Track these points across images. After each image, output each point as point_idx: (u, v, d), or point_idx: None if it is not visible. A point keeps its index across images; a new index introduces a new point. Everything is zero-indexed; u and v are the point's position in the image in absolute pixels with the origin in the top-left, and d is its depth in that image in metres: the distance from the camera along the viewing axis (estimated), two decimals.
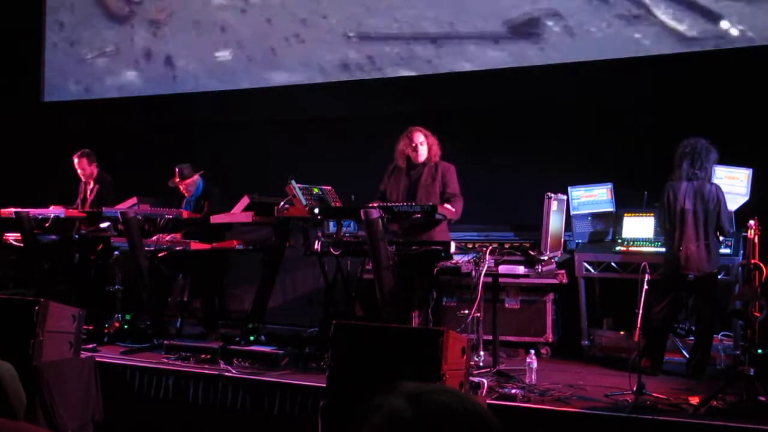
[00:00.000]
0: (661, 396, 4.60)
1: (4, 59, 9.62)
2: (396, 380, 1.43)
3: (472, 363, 4.92)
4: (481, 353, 5.41)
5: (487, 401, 4.39)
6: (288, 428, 4.90)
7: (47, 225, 6.89)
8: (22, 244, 7.04)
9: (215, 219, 6.26)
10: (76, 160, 7.26)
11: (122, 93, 9.37)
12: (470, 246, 5.72)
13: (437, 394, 1.37)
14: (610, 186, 6.48)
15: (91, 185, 7.36)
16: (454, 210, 5.51)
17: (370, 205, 5.36)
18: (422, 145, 5.75)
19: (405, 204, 5.40)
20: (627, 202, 6.39)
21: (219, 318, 6.79)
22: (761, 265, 4.75)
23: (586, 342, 6.20)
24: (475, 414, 1.35)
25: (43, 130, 9.52)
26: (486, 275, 5.22)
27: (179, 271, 6.83)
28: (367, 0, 8.10)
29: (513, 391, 4.69)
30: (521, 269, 5.38)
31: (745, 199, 6.00)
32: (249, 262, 6.86)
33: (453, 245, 5.26)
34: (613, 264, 6.08)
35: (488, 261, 5.18)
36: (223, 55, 8.88)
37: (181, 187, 6.76)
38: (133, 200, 6.71)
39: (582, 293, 6.19)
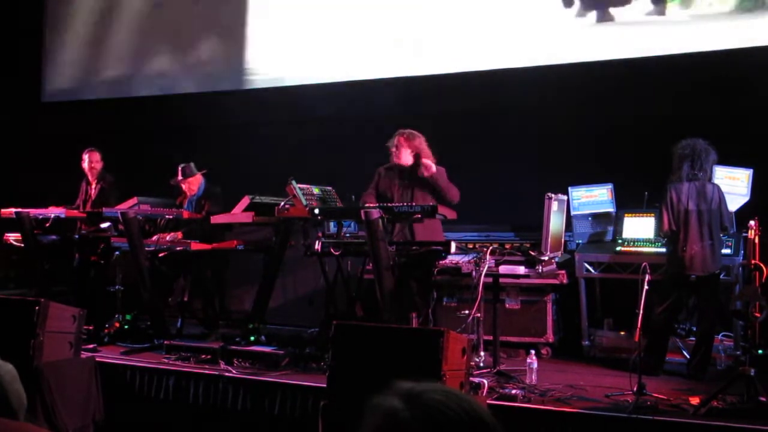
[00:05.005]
0: (661, 396, 4.60)
1: (4, 59, 9.62)
2: (396, 381, 1.43)
3: (473, 363, 4.91)
4: (482, 354, 5.40)
5: (488, 402, 4.39)
6: (288, 429, 4.90)
7: (48, 225, 6.90)
8: (22, 245, 7.05)
9: (216, 219, 6.26)
10: (87, 155, 7.35)
11: (123, 93, 9.37)
12: (471, 246, 5.72)
13: (434, 393, 1.36)
14: (610, 186, 6.48)
15: (94, 184, 7.39)
16: (455, 191, 5.54)
17: (365, 203, 5.38)
18: (396, 150, 5.81)
19: (405, 204, 5.40)
20: (627, 202, 6.39)
21: (219, 318, 6.78)
22: (762, 265, 4.75)
23: (587, 342, 6.20)
24: (472, 413, 1.34)
25: (43, 130, 9.52)
26: (486, 275, 5.22)
27: (180, 272, 6.83)
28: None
29: (513, 391, 4.69)
30: (522, 269, 5.37)
31: (746, 199, 6.00)
32: (249, 263, 6.86)
33: (453, 245, 5.26)
34: (613, 264, 6.08)
35: (489, 261, 5.18)
36: (224, 55, 8.88)
37: (184, 186, 6.77)
38: (134, 200, 6.72)
39: (582, 294, 6.19)
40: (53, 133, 9.36)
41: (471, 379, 4.52)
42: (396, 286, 5.46)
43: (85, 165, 7.42)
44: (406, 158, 5.81)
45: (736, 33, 6.62)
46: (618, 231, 6.31)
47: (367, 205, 5.42)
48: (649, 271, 4.70)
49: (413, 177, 5.78)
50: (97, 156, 7.38)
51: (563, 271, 5.79)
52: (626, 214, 6.31)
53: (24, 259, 7.28)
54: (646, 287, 4.69)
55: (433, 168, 5.62)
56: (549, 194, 5.35)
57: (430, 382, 1.41)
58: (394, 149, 5.84)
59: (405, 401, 1.34)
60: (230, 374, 5.25)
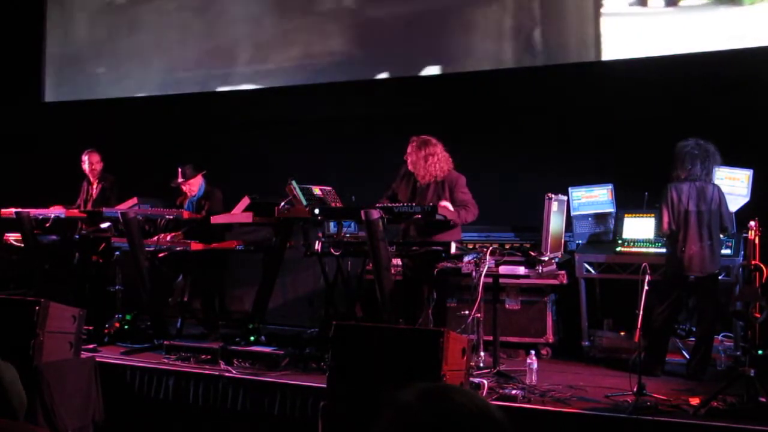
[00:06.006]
0: (661, 397, 4.60)
1: (4, 59, 9.62)
2: (396, 381, 1.46)
3: (473, 364, 4.92)
4: (482, 354, 5.40)
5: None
6: (288, 429, 4.91)
7: (48, 225, 6.91)
8: (22, 245, 7.05)
9: (215, 219, 6.27)
10: (86, 157, 7.37)
11: (122, 93, 9.37)
12: (471, 246, 5.72)
13: (447, 390, 1.43)
14: (610, 187, 6.48)
15: (95, 184, 7.39)
16: (454, 211, 5.47)
17: (378, 204, 5.36)
18: (409, 158, 5.72)
19: (405, 205, 5.39)
20: (627, 202, 6.39)
21: (219, 318, 6.78)
22: (762, 266, 4.75)
23: (587, 343, 6.20)
24: (484, 410, 1.39)
25: (43, 130, 9.52)
26: (486, 276, 5.21)
27: (180, 272, 6.83)
28: None
29: (513, 392, 4.69)
30: (522, 270, 5.37)
31: (746, 200, 6.00)
32: (249, 263, 6.86)
33: (453, 246, 5.25)
34: (613, 265, 6.08)
35: (489, 261, 5.18)
36: (223, 55, 8.88)
37: (184, 188, 6.77)
38: (134, 200, 6.72)
39: (582, 294, 6.20)
40: (53, 132, 9.36)
41: (471, 379, 4.53)
42: (406, 287, 5.48)
43: (86, 167, 7.44)
44: (417, 167, 5.70)
45: (736, 33, 6.62)
46: (618, 231, 6.31)
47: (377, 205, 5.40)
48: (649, 271, 4.70)
49: (425, 186, 5.72)
50: (96, 157, 7.39)
51: (563, 272, 5.79)
52: (626, 215, 6.31)
53: (24, 259, 7.28)
54: (646, 287, 4.70)
55: (449, 207, 5.47)
56: (549, 194, 5.35)
57: (446, 383, 1.46)
58: (407, 155, 5.74)
59: (419, 398, 1.40)
60: (230, 374, 5.25)
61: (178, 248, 6.29)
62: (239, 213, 6.15)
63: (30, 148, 9.37)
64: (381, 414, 1.41)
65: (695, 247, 5.31)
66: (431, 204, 5.51)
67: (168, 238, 6.37)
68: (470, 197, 5.65)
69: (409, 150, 5.72)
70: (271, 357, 5.50)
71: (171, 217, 6.54)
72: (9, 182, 8.68)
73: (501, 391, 4.74)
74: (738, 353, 5.45)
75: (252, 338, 5.95)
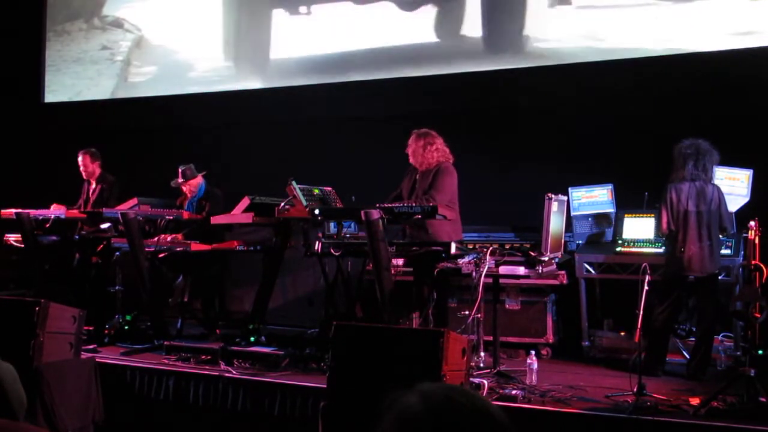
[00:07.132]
0: (661, 397, 4.60)
1: (4, 59, 9.62)
2: (396, 381, 1.47)
3: (473, 364, 4.92)
4: (482, 354, 5.40)
5: None
6: (288, 429, 4.91)
7: (48, 226, 6.91)
8: (22, 245, 7.05)
9: (215, 220, 6.27)
10: (80, 157, 7.34)
11: (123, 94, 9.37)
12: (471, 246, 5.71)
13: (447, 390, 1.43)
14: (610, 187, 6.48)
15: (94, 185, 7.39)
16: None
17: (379, 204, 5.36)
18: (410, 149, 5.76)
19: (404, 205, 5.39)
20: (627, 202, 6.39)
21: (219, 319, 6.78)
22: (762, 266, 4.75)
23: (587, 343, 6.20)
24: (483, 410, 1.39)
25: (43, 130, 9.53)
26: (486, 276, 5.21)
27: (180, 272, 6.83)
28: None
29: (513, 392, 4.69)
30: (522, 270, 5.36)
31: (746, 200, 6.01)
32: (249, 263, 6.86)
33: (453, 246, 5.25)
34: (613, 265, 6.08)
35: (489, 262, 5.18)
36: (224, 55, 8.89)
37: (184, 188, 6.76)
38: (134, 201, 6.71)
39: (582, 294, 6.20)
40: (53, 133, 9.36)
41: (471, 379, 4.52)
42: (413, 285, 5.48)
43: (80, 168, 7.40)
44: (415, 159, 5.75)
45: (736, 33, 6.62)
46: (618, 231, 6.31)
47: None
48: (649, 271, 4.70)
49: (421, 175, 5.74)
50: (87, 158, 7.30)
51: (563, 272, 5.78)
52: (626, 215, 6.31)
53: (24, 259, 7.28)
54: (646, 288, 4.69)
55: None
56: (549, 195, 5.34)
57: (443, 383, 1.46)
58: (408, 147, 5.80)
59: (420, 397, 1.40)
60: (230, 375, 5.25)
61: (178, 249, 6.29)
62: (239, 213, 6.14)
63: (30, 148, 9.38)
64: (382, 415, 1.41)
65: (695, 247, 5.31)
66: (425, 191, 5.53)
67: (168, 239, 6.37)
68: (445, 192, 5.59)
69: (409, 142, 5.78)
70: (271, 357, 5.50)
71: (171, 217, 6.54)
72: (9, 182, 8.68)
73: (501, 391, 4.74)
74: (738, 353, 5.45)
75: (252, 338, 5.95)
